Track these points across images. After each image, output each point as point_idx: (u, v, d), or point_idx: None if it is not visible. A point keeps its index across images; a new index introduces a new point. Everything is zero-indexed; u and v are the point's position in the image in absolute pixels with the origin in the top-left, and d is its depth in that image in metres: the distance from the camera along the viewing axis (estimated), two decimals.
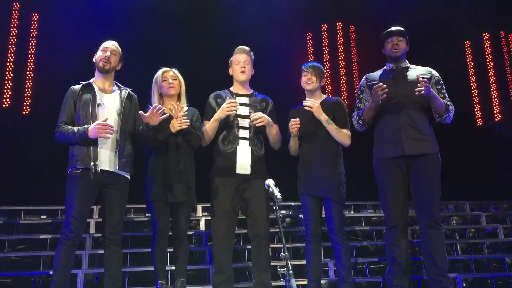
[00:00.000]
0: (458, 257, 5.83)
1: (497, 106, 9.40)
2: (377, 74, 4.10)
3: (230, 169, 3.90)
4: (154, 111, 3.62)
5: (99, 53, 3.81)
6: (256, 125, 3.92)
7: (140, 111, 3.70)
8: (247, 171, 3.91)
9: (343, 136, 4.00)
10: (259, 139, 4.05)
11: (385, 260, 5.09)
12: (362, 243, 6.00)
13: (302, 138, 4.12)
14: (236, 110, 3.89)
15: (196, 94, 4.29)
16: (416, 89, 3.65)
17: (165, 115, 3.74)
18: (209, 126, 3.96)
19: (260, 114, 3.93)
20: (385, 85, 3.72)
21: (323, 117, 3.94)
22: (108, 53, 3.77)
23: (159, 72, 4.10)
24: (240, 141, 3.95)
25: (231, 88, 4.18)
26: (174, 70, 4.13)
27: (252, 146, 3.97)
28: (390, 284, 3.79)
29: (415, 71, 3.95)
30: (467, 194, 7.53)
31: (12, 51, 7.84)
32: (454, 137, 7.40)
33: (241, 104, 4.01)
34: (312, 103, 3.93)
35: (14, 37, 7.91)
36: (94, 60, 3.84)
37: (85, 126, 3.54)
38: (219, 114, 3.89)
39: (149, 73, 4.21)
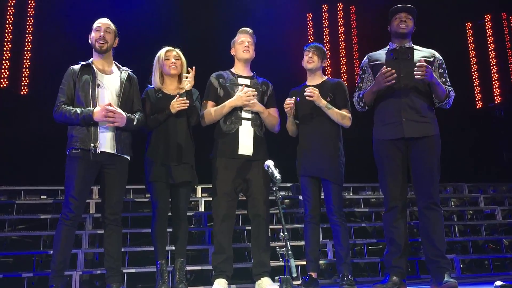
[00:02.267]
0: (456, 238, 5.89)
1: (497, 88, 9.38)
2: (379, 53, 4.02)
3: (232, 150, 3.89)
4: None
5: (93, 34, 3.75)
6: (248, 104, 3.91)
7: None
8: (249, 152, 3.90)
9: (343, 118, 4.00)
10: (261, 120, 4.03)
11: (383, 241, 5.12)
12: (361, 224, 6.04)
13: (302, 119, 4.11)
14: (253, 101, 3.88)
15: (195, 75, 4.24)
16: (416, 74, 3.59)
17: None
18: (218, 111, 3.93)
19: (253, 94, 3.92)
20: (393, 70, 3.64)
21: (323, 103, 3.93)
22: (102, 33, 3.71)
23: (162, 51, 4.05)
24: (243, 121, 3.94)
25: (232, 69, 4.15)
26: (177, 50, 4.08)
27: (255, 127, 3.97)
28: (388, 264, 3.81)
29: (419, 53, 3.89)
30: (466, 176, 7.55)
31: (10, 30, 7.76)
32: (453, 119, 7.39)
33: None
34: (312, 91, 3.90)
35: (11, 16, 7.81)
36: (90, 41, 3.77)
37: (90, 108, 3.52)
38: (236, 102, 3.88)
39: (148, 53, 4.16)
